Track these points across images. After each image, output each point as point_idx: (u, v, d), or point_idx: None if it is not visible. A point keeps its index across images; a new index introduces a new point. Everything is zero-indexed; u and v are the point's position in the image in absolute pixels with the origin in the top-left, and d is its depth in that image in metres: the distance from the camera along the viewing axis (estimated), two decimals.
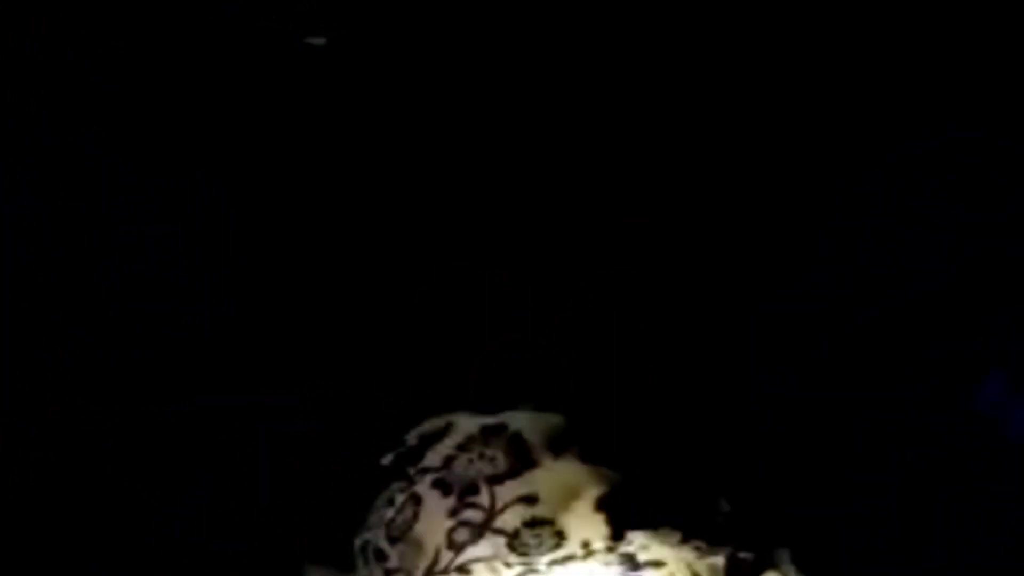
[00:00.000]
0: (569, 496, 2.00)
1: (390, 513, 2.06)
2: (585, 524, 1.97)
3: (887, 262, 2.34)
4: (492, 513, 1.99)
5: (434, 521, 2.00)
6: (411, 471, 2.09)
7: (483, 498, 2.00)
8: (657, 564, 1.91)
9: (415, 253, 2.73)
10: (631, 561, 1.94)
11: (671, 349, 2.48)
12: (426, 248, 2.74)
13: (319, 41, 2.60)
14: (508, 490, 2.00)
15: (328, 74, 2.65)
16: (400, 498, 2.07)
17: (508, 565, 1.92)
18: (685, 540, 1.96)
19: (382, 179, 2.74)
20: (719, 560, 1.96)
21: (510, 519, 1.97)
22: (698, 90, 2.55)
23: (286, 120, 2.65)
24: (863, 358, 2.32)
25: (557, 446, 2.08)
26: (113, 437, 2.39)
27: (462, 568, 1.94)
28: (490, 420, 2.12)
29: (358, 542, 2.07)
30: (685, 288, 2.50)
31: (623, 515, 1.98)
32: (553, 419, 2.13)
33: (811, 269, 2.40)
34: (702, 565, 1.93)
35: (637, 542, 1.95)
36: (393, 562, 2.01)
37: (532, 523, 1.97)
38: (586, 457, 2.07)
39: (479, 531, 1.97)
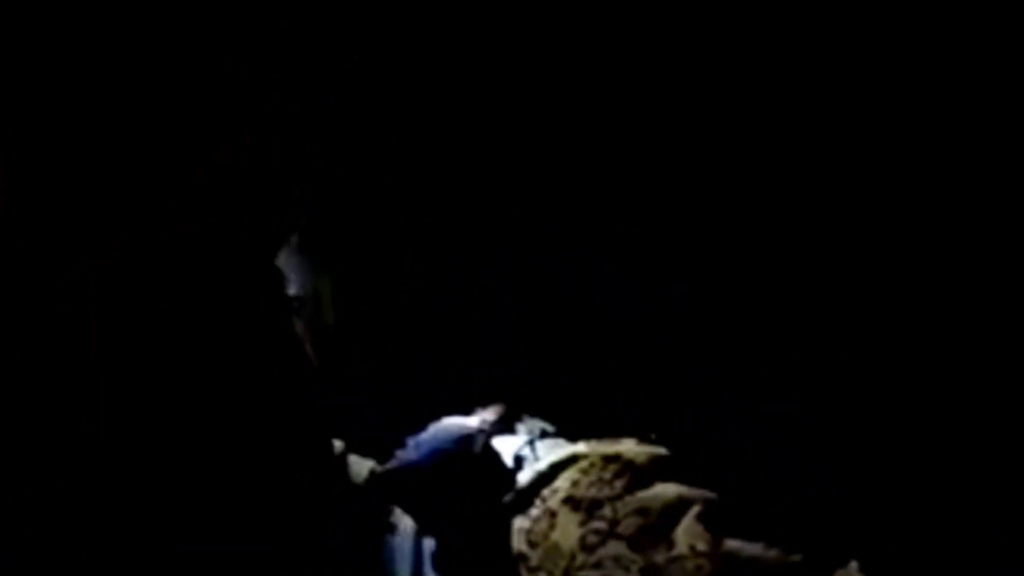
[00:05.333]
0: (675, 510, 2.43)
1: (527, 524, 2.50)
2: (690, 532, 2.40)
3: None
4: (615, 522, 2.43)
5: (568, 529, 2.44)
6: (544, 492, 2.54)
7: (606, 511, 2.45)
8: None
9: None
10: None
11: None
12: None
13: None
14: (626, 505, 2.45)
15: None
16: (536, 512, 2.51)
17: (632, 562, 2.35)
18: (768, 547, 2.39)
19: None
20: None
21: (629, 527, 2.41)
22: None
23: None
24: None
25: (663, 471, 2.54)
26: None
27: (597, 564, 2.38)
28: (608, 450, 2.58)
29: None
30: None
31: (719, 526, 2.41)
32: (657, 448, 2.60)
33: None
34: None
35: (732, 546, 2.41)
36: (534, 562, 2.45)
37: (646, 529, 2.40)
38: (686, 480, 2.52)
39: (605, 537, 2.41)
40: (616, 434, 2.65)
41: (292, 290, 2.51)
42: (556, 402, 2.97)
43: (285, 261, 2.44)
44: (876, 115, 2.74)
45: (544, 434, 2.80)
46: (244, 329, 2.15)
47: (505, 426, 2.85)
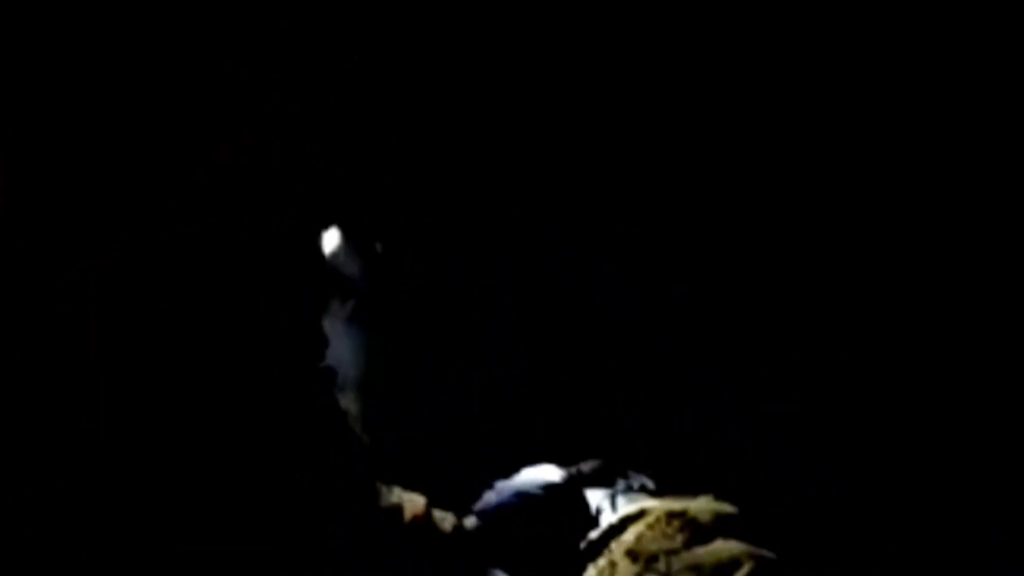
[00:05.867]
0: (728, 568, 2.48)
1: (593, 573, 2.59)
2: None
3: None
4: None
5: None
6: (612, 543, 2.61)
7: (660, 565, 2.51)
8: None
9: None
10: None
11: None
12: None
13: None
14: (680, 560, 2.51)
15: None
16: (602, 562, 2.59)
17: None
18: None
19: None
20: None
21: None
22: None
23: None
24: None
25: (727, 529, 2.58)
26: None
27: None
28: (675, 506, 2.65)
29: None
30: None
31: None
32: (726, 507, 2.64)
33: None
34: None
35: None
36: None
37: None
38: (749, 539, 2.53)
39: None
40: (712, 494, 2.68)
41: (337, 362, 2.49)
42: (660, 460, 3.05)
43: (331, 328, 2.45)
44: (876, 115, 2.75)
45: (644, 489, 2.86)
46: (244, 329, 2.15)
47: (601, 479, 2.89)
